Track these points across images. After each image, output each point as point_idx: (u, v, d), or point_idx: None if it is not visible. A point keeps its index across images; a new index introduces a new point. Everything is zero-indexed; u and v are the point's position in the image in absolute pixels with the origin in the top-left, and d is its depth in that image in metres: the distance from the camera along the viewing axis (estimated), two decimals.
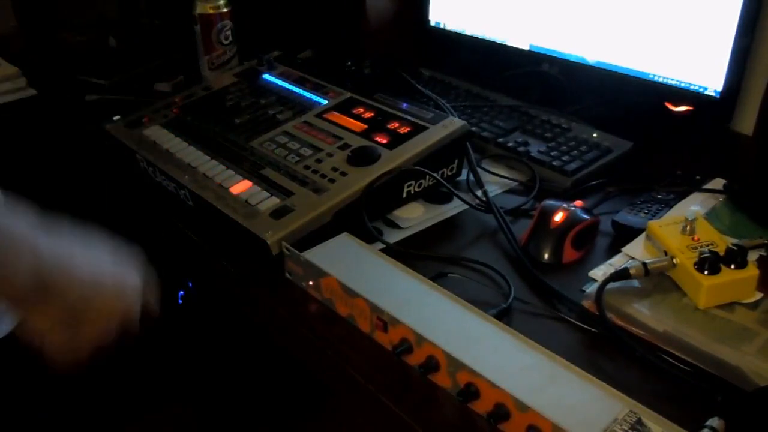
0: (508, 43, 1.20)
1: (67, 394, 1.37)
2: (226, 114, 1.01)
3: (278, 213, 0.79)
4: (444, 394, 0.61)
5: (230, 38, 1.21)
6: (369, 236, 0.79)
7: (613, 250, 0.80)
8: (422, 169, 0.85)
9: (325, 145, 0.90)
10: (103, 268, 0.67)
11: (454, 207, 0.89)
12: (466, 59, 1.27)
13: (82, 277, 0.63)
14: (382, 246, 0.80)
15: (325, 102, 1.00)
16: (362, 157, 0.85)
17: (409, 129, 0.90)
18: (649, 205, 0.86)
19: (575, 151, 0.98)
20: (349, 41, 1.36)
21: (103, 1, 1.52)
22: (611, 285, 0.70)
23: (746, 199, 0.84)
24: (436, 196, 0.90)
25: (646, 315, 0.68)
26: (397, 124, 0.91)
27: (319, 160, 0.87)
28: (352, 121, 0.94)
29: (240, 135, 0.96)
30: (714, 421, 0.55)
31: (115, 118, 1.04)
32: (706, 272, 0.67)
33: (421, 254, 0.79)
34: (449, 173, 0.90)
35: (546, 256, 0.78)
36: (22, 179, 1.20)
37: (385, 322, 0.65)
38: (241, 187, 0.85)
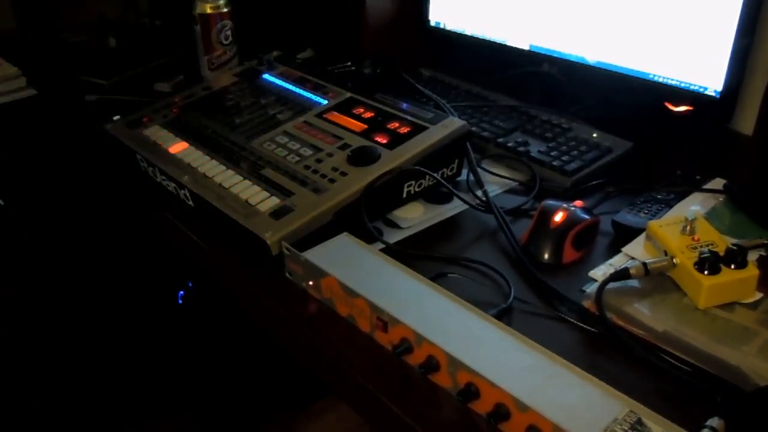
0: (508, 43, 1.20)
1: (68, 393, 1.37)
2: (226, 114, 1.01)
3: (278, 213, 0.79)
4: (444, 394, 0.61)
5: (230, 38, 1.21)
6: (369, 236, 0.79)
7: (613, 250, 0.80)
8: (422, 169, 0.85)
9: (325, 145, 0.90)
10: None
11: (454, 207, 0.89)
12: (466, 59, 1.27)
13: None
14: (382, 246, 0.80)
15: (325, 102, 1.00)
16: (362, 157, 0.86)
17: (409, 129, 0.90)
18: (649, 205, 0.86)
19: (575, 151, 0.98)
20: (349, 41, 1.36)
21: (103, 1, 1.52)
22: (611, 285, 0.70)
23: (746, 199, 0.84)
24: (436, 196, 0.90)
25: (646, 315, 0.68)
26: (397, 124, 0.91)
27: (319, 160, 0.87)
28: (352, 121, 0.94)
29: (240, 135, 0.96)
30: (714, 421, 0.55)
31: (115, 118, 1.04)
32: (706, 272, 0.67)
33: (421, 254, 0.79)
34: (449, 173, 0.90)
35: (546, 256, 0.78)
36: (22, 179, 1.21)
37: (385, 322, 0.65)
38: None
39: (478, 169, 0.91)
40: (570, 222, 0.79)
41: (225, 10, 1.19)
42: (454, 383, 0.60)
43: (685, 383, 0.61)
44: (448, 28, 1.29)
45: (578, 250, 0.79)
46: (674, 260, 0.70)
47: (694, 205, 0.85)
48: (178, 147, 0.94)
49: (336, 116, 0.96)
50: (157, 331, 1.50)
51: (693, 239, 0.71)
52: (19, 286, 1.27)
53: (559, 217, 0.79)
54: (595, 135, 1.02)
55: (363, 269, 0.71)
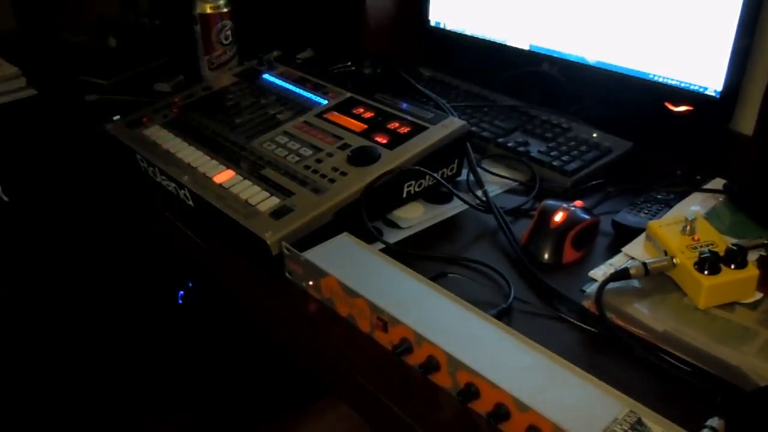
0: (508, 43, 1.20)
1: (67, 392, 1.37)
2: (226, 114, 1.01)
3: (278, 213, 0.79)
4: (444, 394, 0.61)
5: (230, 38, 1.21)
6: (369, 236, 0.79)
7: (613, 250, 0.80)
8: (422, 169, 0.85)
9: (325, 145, 0.90)
10: None
11: (454, 207, 0.89)
12: (466, 59, 1.27)
13: None
14: (382, 246, 0.80)
15: (325, 102, 1.00)
16: (362, 157, 0.86)
17: (409, 129, 0.90)
18: (649, 205, 0.86)
19: (575, 151, 0.98)
20: (349, 41, 1.36)
21: (103, 1, 1.52)
22: (611, 285, 0.70)
23: (746, 199, 0.84)
24: (436, 196, 0.90)
25: (646, 315, 0.68)
26: (397, 124, 0.91)
27: (319, 160, 0.87)
28: (352, 121, 0.94)
29: (240, 135, 0.96)
30: (714, 421, 0.55)
31: (115, 118, 1.04)
32: (706, 272, 0.67)
33: (421, 254, 0.79)
34: (449, 173, 0.90)
35: (546, 256, 0.78)
36: (22, 179, 1.21)
37: (385, 322, 0.65)
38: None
39: (478, 169, 0.91)
40: (570, 222, 0.79)
41: (225, 10, 1.19)
42: (454, 383, 0.60)
43: (685, 383, 0.61)
44: (448, 28, 1.29)
45: (578, 250, 0.79)
46: (674, 260, 0.70)
47: (694, 205, 0.85)
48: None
49: (336, 116, 0.96)
50: (157, 331, 1.50)
51: (693, 239, 0.71)
52: (19, 286, 1.27)
53: (559, 217, 0.79)
54: (595, 135, 1.02)
55: (363, 269, 0.71)
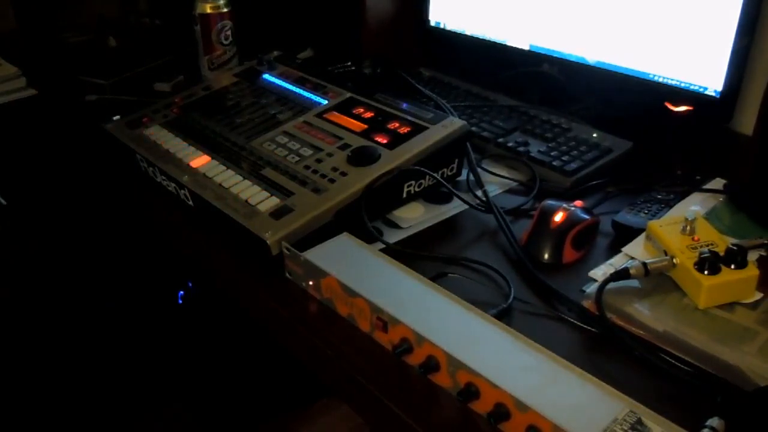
0: (508, 43, 1.20)
1: (68, 393, 1.38)
2: (226, 114, 1.01)
3: (278, 213, 0.79)
4: (444, 394, 0.61)
5: (230, 38, 1.21)
6: (369, 236, 0.79)
7: (613, 250, 0.80)
8: (422, 169, 0.85)
9: (325, 145, 0.90)
10: None
11: (454, 207, 0.89)
12: (466, 59, 1.27)
13: None
14: (382, 246, 0.80)
15: (325, 102, 1.00)
16: (362, 157, 0.86)
17: (409, 129, 0.90)
18: (649, 205, 0.86)
19: (575, 151, 0.98)
20: (349, 41, 1.36)
21: (103, 1, 1.53)
22: (611, 285, 0.70)
23: (746, 199, 0.84)
24: (436, 196, 0.90)
25: (646, 315, 0.68)
26: (397, 124, 0.91)
27: (319, 160, 0.87)
28: (352, 121, 0.94)
29: (240, 135, 0.96)
30: (714, 421, 0.55)
31: (115, 118, 1.04)
32: (706, 272, 0.67)
33: (421, 254, 0.79)
34: (449, 173, 0.90)
35: (546, 256, 0.78)
36: (22, 179, 1.21)
37: (385, 322, 0.65)
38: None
39: (478, 169, 0.91)
40: (570, 222, 0.79)
41: (225, 10, 1.19)
42: (454, 383, 0.60)
43: (685, 383, 0.61)
44: (448, 28, 1.29)
45: (578, 250, 0.79)
46: (674, 260, 0.70)
47: (694, 205, 0.85)
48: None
49: (336, 116, 0.96)
50: (157, 331, 1.50)
51: (693, 239, 0.71)
52: (19, 286, 1.27)
53: (559, 217, 0.79)
54: (595, 135, 1.02)
55: (363, 269, 0.71)
